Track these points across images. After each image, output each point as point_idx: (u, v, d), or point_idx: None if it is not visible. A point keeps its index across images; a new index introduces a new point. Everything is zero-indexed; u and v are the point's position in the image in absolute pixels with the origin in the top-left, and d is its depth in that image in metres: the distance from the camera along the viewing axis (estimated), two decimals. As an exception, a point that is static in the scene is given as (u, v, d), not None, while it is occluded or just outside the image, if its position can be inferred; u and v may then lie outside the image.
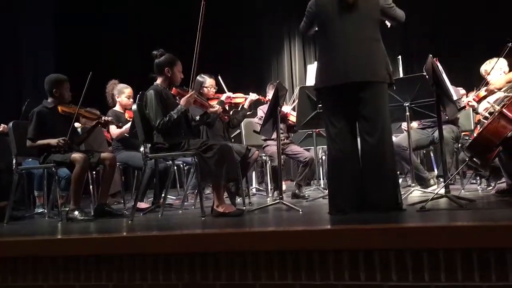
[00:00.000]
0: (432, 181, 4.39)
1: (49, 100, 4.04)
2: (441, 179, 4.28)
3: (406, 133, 4.10)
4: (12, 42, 7.93)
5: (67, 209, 3.90)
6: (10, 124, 4.15)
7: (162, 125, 3.60)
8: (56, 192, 4.11)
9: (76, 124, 4.40)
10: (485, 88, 4.10)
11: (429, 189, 4.13)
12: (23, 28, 8.06)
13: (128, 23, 8.90)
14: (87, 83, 3.87)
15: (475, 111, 4.53)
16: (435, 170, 5.33)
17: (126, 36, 8.83)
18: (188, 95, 3.72)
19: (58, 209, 4.03)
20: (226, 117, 4.54)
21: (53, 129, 3.92)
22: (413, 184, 4.04)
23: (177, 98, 3.82)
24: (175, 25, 8.70)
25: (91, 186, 4.36)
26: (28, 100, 5.27)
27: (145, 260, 2.46)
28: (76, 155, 3.77)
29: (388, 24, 3.26)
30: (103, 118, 4.22)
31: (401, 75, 4.78)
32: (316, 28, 3.26)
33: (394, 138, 4.47)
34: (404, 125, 4.59)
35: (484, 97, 3.49)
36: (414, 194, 3.87)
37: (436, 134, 4.40)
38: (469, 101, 4.36)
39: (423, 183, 4.33)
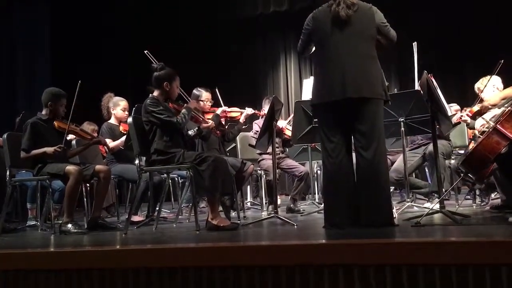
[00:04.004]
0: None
1: (43, 112, 4.03)
2: (436, 195, 4.29)
3: (401, 157, 4.12)
4: (6, 51, 7.94)
5: (60, 221, 3.86)
6: (5, 135, 4.13)
7: (180, 121, 3.62)
8: (49, 205, 4.07)
9: (71, 136, 4.39)
10: (479, 104, 4.12)
11: (424, 205, 4.13)
12: (18, 38, 8.08)
13: (123, 37, 8.92)
14: (76, 93, 3.86)
15: (469, 126, 4.55)
16: (429, 182, 5.38)
17: (122, 51, 8.85)
18: (208, 125, 4.14)
19: (51, 221, 3.99)
20: (217, 132, 4.52)
21: (46, 140, 3.90)
22: (408, 200, 4.05)
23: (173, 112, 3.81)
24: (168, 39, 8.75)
25: (85, 199, 4.33)
26: (23, 112, 5.26)
27: (138, 274, 2.44)
28: (70, 168, 3.75)
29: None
30: (94, 140, 4.22)
31: None
32: (313, 47, 3.29)
33: (391, 161, 4.53)
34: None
35: (478, 112, 3.50)
36: (409, 209, 3.87)
37: (427, 150, 4.43)
38: (461, 116, 4.37)
39: (430, 196, 4.39)
